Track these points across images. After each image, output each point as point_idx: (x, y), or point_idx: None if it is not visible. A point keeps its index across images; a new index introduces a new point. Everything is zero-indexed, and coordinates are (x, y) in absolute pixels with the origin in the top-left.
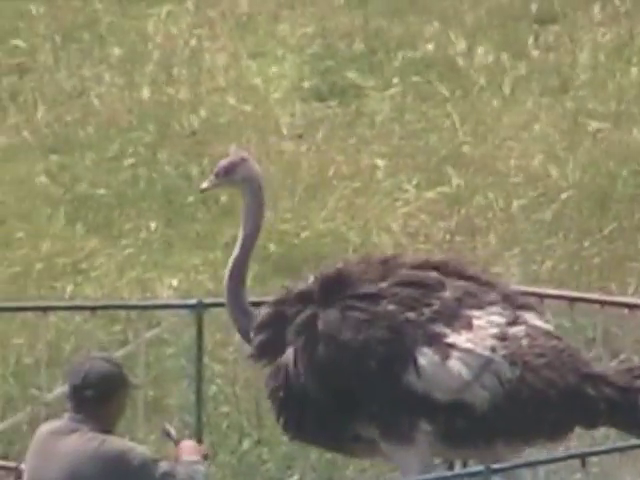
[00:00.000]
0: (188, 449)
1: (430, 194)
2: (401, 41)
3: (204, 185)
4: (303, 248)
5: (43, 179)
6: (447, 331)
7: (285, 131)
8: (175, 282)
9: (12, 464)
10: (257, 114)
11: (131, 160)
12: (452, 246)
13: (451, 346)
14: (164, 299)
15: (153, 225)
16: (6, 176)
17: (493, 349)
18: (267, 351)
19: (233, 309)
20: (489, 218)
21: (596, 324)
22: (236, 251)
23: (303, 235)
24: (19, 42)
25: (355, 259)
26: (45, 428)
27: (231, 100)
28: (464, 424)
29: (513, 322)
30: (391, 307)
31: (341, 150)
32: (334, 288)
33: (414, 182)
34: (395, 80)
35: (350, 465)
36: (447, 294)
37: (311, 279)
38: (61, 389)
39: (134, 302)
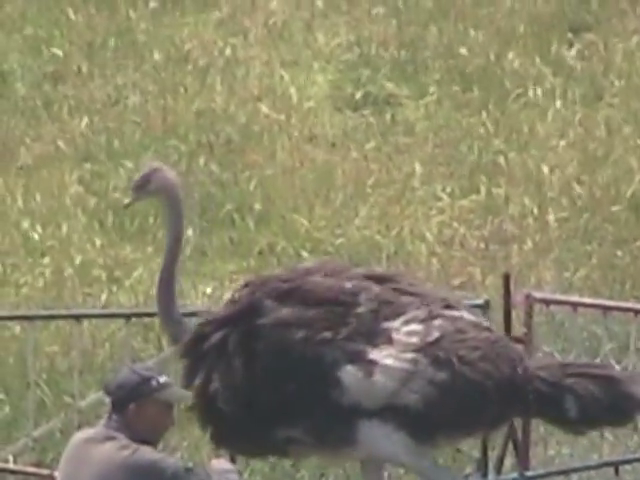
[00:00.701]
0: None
1: (464, 202)
2: (436, 49)
3: (126, 201)
4: (337, 256)
5: (77, 188)
6: (367, 348)
7: (319, 140)
8: (209, 290)
9: (45, 471)
10: (291, 123)
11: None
12: (486, 254)
13: (373, 363)
14: (198, 307)
15: (188, 233)
16: (40, 185)
17: (415, 361)
18: (193, 376)
19: (164, 319)
20: (523, 226)
21: (630, 332)
22: (162, 262)
23: (337, 243)
24: (54, 50)
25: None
26: (80, 435)
27: (265, 109)
28: (401, 423)
29: (431, 318)
30: (307, 330)
31: (376, 159)
32: (251, 314)
33: (448, 190)
34: (430, 89)
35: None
36: (362, 309)
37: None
38: (94, 396)
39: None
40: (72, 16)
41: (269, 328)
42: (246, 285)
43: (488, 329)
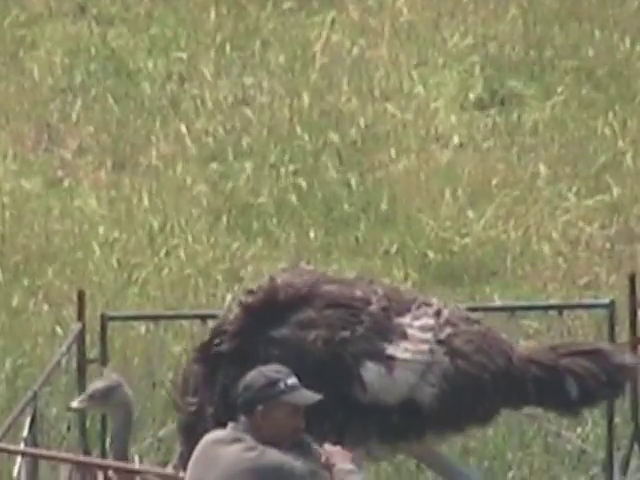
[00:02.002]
0: (339, 456)
1: (590, 202)
2: (563, 49)
3: (74, 404)
4: (463, 256)
5: (203, 187)
6: (385, 344)
7: (445, 140)
8: None
9: (171, 471)
10: (418, 123)
11: (291, 168)
12: (612, 254)
13: (392, 358)
14: None
15: (313, 233)
16: (167, 184)
17: (432, 351)
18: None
19: None
20: None
21: None
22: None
23: (463, 242)
24: (180, 50)
25: (280, 282)
26: (209, 437)
27: (391, 109)
28: (412, 421)
29: (439, 313)
30: (325, 331)
31: (502, 158)
32: (264, 318)
33: (574, 190)
34: (556, 88)
35: (513, 475)
36: (374, 307)
37: (235, 310)
38: None
39: None
40: (199, 15)
41: (288, 332)
42: (259, 291)
43: (477, 322)
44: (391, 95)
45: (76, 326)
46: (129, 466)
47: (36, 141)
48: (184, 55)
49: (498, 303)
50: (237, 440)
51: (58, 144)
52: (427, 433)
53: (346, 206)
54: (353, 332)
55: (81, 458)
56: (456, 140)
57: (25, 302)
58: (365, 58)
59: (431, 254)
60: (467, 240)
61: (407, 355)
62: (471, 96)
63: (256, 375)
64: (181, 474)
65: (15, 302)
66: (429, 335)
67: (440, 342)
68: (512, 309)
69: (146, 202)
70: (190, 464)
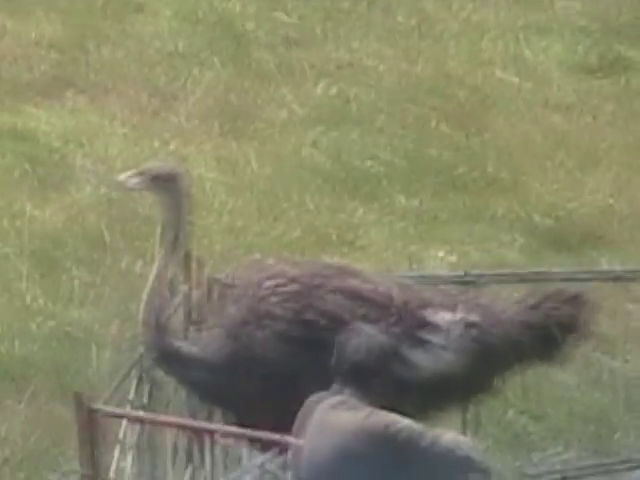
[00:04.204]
0: None
1: None
2: None
3: (121, 178)
4: (570, 220)
5: (311, 151)
6: (420, 333)
7: (553, 104)
8: (441, 254)
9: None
10: (526, 86)
11: (399, 132)
12: None
13: (430, 344)
14: (431, 271)
15: (420, 196)
16: (275, 149)
17: (461, 338)
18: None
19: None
20: None
21: None
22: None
23: (570, 207)
24: (288, 13)
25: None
26: (312, 400)
27: (499, 72)
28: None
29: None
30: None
31: (610, 123)
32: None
33: None
34: None
35: (619, 438)
36: (398, 300)
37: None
38: None
39: (401, 274)
40: None
41: (322, 324)
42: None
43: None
44: (499, 58)
45: (183, 288)
46: (236, 430)
47: (144, 105)
48: (292, 18)
49: (605, 267)
50: (343, 403)
51: (167, 108)
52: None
53: (453, 169)
54: (388, 323)
55: (187, 422)
56: (564, 104)
57: (133, 265)
58: (473, 22)
59: (538, 218)
60: (574, 204)
61: (442, 341)
62: (580, 60)
63: (377, 342)
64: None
65: (123, 265)
66: (456, 318)
67: (468, 327)
68: (619, 273)
69: (254, 166)
70: (306, 431)
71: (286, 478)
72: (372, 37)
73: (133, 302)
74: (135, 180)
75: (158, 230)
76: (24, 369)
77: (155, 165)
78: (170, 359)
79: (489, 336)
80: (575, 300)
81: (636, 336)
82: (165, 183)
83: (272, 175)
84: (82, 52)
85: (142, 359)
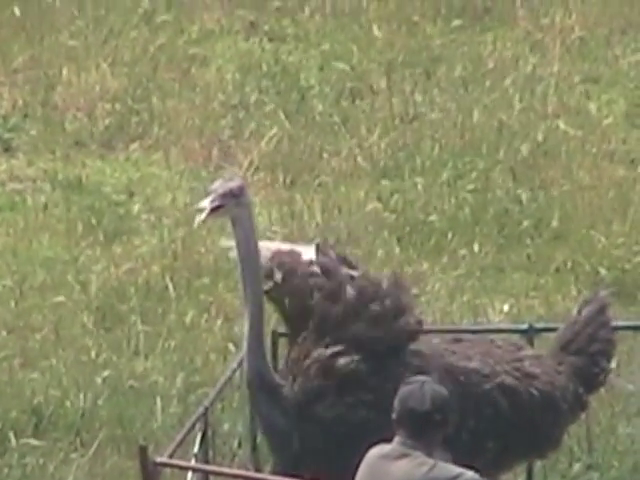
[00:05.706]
0: None
1: None
2: None
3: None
4: (636, 273)
5: (375, 204)
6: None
7: (618, 156)
8: (506, 307)
9: None
10: (589, 139)
11: (463, 184)
12: None
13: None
14: (495, 323)
15: (484, 249)
16: (339, 201)
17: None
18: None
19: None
20: None
21: None
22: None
23: (636, 260)
24: (351, 67)
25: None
26: (375, 452)
27: (563, 125)
28: None
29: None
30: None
31: None
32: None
33: None
34: None
35: None
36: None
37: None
38: None
39: (466, 326)
40: (370, 31)
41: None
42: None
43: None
44: (562, 111)
45: None
46: None
47: (207, 157)
48: (355, 71)
49: None
50: (406, 455)
51: (229, 161)
52: None
53: (518, 223)
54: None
55: (252, 474)
56: (629, 157)
57: (198, 318)
58: (537, 74)
59: (603, 271)
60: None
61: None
62: None
63: (440, 393)
64: None
65: (188, 318)
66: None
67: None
68: None
69: (318, 218)
70: (357, 479)
71: None
72: (435, 90)
73: (198, 355)
74: (204, 202)
75: (230, 256)
76: (89, 423)
77: (220, 183)
78: (269, 393)
79: (551, 387)
80: None
81: None
82: (237, 199)
83: (336, 227)
84: (146, 105)
85: (207, 413)
